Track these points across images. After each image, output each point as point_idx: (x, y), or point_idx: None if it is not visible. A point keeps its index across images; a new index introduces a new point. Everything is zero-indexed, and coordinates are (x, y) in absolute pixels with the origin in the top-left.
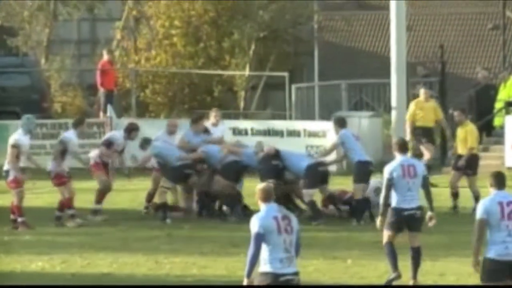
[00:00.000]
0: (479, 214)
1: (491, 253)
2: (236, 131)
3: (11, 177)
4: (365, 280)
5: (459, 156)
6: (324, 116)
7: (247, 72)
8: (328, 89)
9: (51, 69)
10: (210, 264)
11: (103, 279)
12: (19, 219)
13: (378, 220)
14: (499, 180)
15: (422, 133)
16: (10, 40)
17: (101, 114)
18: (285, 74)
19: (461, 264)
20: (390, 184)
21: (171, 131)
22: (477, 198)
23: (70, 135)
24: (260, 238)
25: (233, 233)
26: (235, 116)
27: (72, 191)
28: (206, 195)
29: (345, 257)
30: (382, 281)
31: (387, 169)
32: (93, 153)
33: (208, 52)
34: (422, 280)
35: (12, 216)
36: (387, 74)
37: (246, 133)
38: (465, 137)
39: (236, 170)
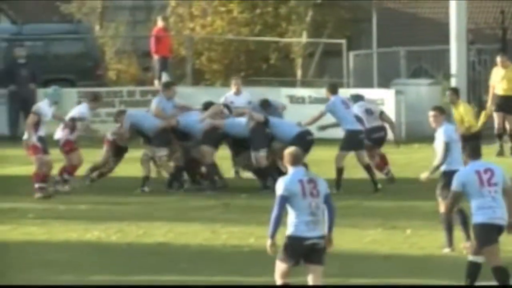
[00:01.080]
0: (453, 186)
1: (480, 218)
2: (293, 99)
3: (30, 144)
4: (424, 250)
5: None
6: (382, 84)
7: (304, 39)
8: (386, 56)
9: (105, 36)
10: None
11: (158, 249)
12: (36, 185)
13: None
14: (474, 150)
15: (501, 101)
16: (64, 7)
17: (156, 81)
18: (343, 41)
19: None
20: (448, 149)
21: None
22: None
23: (84, 109)
24: (284, 200)
25: None
26: (292, 84)
27: (80, 160)
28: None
29: (404, 227)
30: (441, 252)
31: (445, 134)
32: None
33: (264, 19)
34: None
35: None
36: (447, 41)
37: (303, 101)
38: (461, 118)
39: (217, 138)
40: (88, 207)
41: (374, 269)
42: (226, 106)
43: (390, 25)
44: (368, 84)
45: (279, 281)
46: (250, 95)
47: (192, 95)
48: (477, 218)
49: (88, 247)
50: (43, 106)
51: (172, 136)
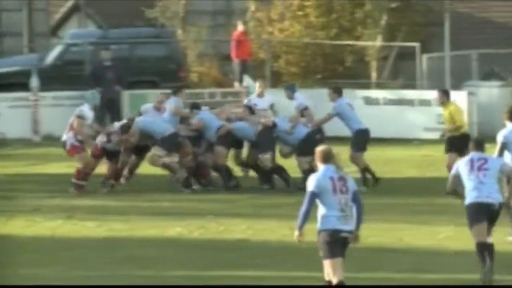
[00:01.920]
0: (454, 169)
1: (468, 200)
2: (368, 101)
3: (68, 146)
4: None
5: (450, 138)
6: (455, 86)
7: (378, 42)
8: (458, 59)
9: (187, 40)
10: None
11: (238, 245)
12: (73, 180)
13: None
14: (476, 144)
15: None
16: (148, 11)
17: (236, 84)
18: (416, 44)
19: None
20: (503, 148)
21: (158, 108)
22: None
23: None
24: (313, 196)
25: (367, 200)
26: (366, 86)
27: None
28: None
29: None
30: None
31: (501, 134)
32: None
33: (340, 23)
34: None
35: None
36: None
37: (377, 102)
38: (451, 118)
39: (230, 140)
40: (170, 204)
41: (445, 265)
42: (249, 107)
43: (462, 29)
44: (441, 86)
45: (335, 280)
46: (273, 98)
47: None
48: (466, 201)
49: (169, 243)
50: (86, 110)
51: (183, 140)
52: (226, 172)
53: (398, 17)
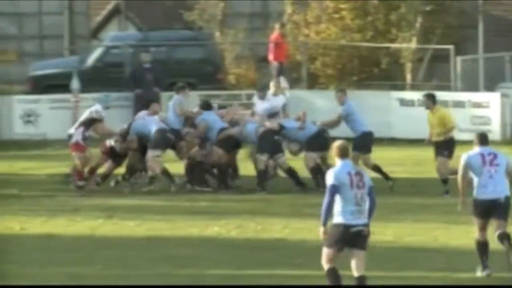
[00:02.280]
0: (462, 160)
1: (476, 194)
2: (402, 102)
3: (73, 141)
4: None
5: (437, 143)
6: (488, 87)
7: (413, 44)
8: (492, 61)
9: (225, 42)
10: (378, 230)
11: (275, 244)
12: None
13: None
14: (482, 138)
15: None
16: (187, 15)
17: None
18: (450, 46)
19: None
20: None
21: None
22: (444, 181)
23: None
24: (335, 189)
25: (398, 199)
26: (401, 88)
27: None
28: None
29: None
30: None
31: None
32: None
33: (376, 25)
34: None
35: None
36: None
37: (412, 104)
38: (439, 122)
39: (232, 144)
40: (208, 203)
41: (478, 264)
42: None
43: (495, 31)
44: (475, 88)
45: (326, 266)
46: (286, 98)
47: (307, 98)
48: (474, 193)
49: (208, 242)
50: (101, 110)
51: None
52: (230, 173)
53: (433, 20)
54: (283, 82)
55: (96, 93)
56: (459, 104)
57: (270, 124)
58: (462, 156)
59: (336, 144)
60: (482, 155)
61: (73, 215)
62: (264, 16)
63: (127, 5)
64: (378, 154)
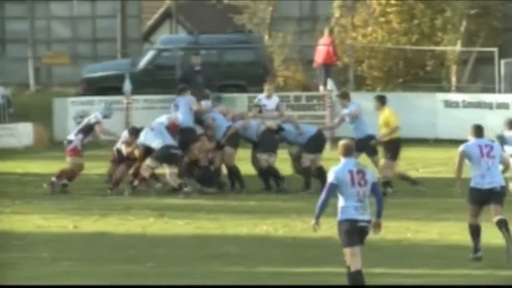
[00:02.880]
0: (460, 150)
1: (473, 184)
2: (447, 104)
3: (71, 146)
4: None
5: (385, 143)
6: None
7: (458, 47)
8: None
9: (274, 45)
10: (424, 228)
11: (322, 242)
12: (54, 179)
13: None
14: (478, 130)
15: None
16: (236, 18)
17: (321, 87)
18: (495, 49)
19: None
20: None
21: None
22: (386, 184)
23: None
24: (332, 188)
25: (442, 199)
26: (447, 89)
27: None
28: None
29: None
30: None
31: None
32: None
33: (421, 29)
34: None
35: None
36: None
37: (457, 105)
38: (384, 123)
39: (237, 140)
40: (256, 203)
41: None
42: (259, 107)
43: None
44: None
45: (353, 268)
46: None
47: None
48: (470, 183)
49: (257, 241)
50: (100, 117)
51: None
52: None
53: (477, 23)
54: (330, 84)
55: (148, 95)
56: (502, 106)
57: (269, 123)
58: (461, 147)
59: (342, 142)
60: (480, 147)
61: (125, 214)
62: (312, 20)
63: (178, 8)
64: (423, 154)
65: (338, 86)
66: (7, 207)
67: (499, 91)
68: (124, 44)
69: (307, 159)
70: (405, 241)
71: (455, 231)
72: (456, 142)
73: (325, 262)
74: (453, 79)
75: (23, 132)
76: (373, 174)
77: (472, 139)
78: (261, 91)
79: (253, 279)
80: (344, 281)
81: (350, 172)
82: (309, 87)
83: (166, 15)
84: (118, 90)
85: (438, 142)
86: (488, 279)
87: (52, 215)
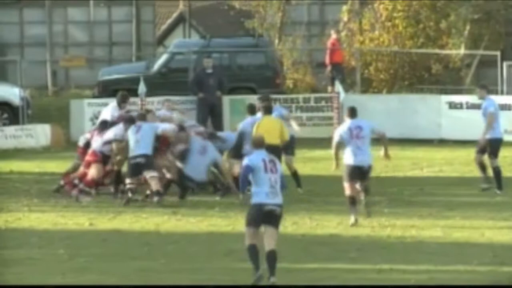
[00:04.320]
0: (336, 134)
1: (347, 161)
2: (452, 105)
3: (90, 150)
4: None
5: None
6: None
7: (462, 51)
8: None
9: (283, 49)
10: (428, 226)
11: (330, 239)
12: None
13: None
14: (351, 112)
15: None
16: (247, 22)
17: (329, 88)
18: (497, 52)
19: None
20: None
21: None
22: (294, 173)
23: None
24: (248, 169)
25: (451, 198)
26: (451, 91)
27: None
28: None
29: None
30: None
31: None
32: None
33: (427, 33)
34: None
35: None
36: None
37: (461, 107)
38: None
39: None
40: None
41: None
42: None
43: None
44: None
45: (248, 242)
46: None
47: (360, 102)
48: (345, 161)
49: None
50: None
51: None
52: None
53: (481, 27)
54: (338, 86)
55: (162, 97)
56: (505, 107)
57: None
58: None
59: (254, 136)
60: (350, 129)
61: (139, 212)
62: (321, 24)
63: (191, 13)
64: (428, 154)
65: (346, 88)
66: (25, 205)
67: (502, 93)
68: (139, 48)
69: (292, 161)
70: (410, 238)
71: (459, 229)
72: (460, 143)
73: (334, 259)
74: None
75: (41, 133)
76: (281, 165)
77: (347, 121)
78: (271, 93)
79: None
80: (352, 278)
81: (263, 160)
82: (317, 89)
83: (180, 20)
84: (133, 92)
85: (443, 143)
86: (493, 276)
87: (69, 213)
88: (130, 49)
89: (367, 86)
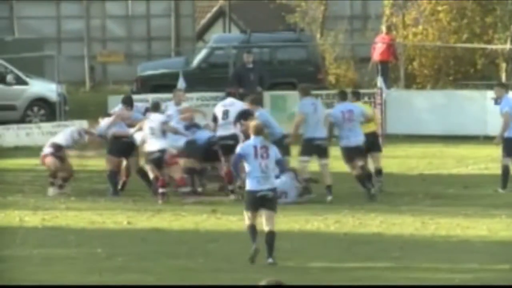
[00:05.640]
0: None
1: (343, 143)
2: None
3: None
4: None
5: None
6: None
7: (508, 45)
8: None
9: (325, 44)
10: (473, 225)
11: (373, 238)
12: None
13: None
14: (341, 95)
15: None
16: (288, 17)
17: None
18: None
19: None
20: None
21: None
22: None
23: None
24: (239, 157)
25: (496, 196)
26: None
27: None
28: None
29: None
30: None
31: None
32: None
33: (471, 27)
34: None
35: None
36: None
37: None
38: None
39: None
40: (307, 200)
41: None
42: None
43: None
44: None
45: (247, 223)
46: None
47: (404, 97)
48: (341, 142)
49: (308, 236)
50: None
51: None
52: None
53: None
54: (380, 82)
55: (201, 93)
56: None
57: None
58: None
59: (253, 123)
60: (342, 112)
61: (178, 210)
62: (363, 18)
63: (231, 7)
64: (473, 151)
65: (389, 83)
66: (62, 203)
67: None
68: (178, 43)
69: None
70: (455, 237)
71: (504, 228)
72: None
73: (376, 257)
74: (503, 77)
75: None
76: (276, 150)
77: (337, 105)
78: (313, 88)
79: (305, 274)
80: (395, 277)
81: (254, 147)
82: (360, 85)
83: (219, 14)
84: (172, 88)
85: (488, 139)
86: None
87: (106, 211)
88: (169, 44)
89: (411, 82)
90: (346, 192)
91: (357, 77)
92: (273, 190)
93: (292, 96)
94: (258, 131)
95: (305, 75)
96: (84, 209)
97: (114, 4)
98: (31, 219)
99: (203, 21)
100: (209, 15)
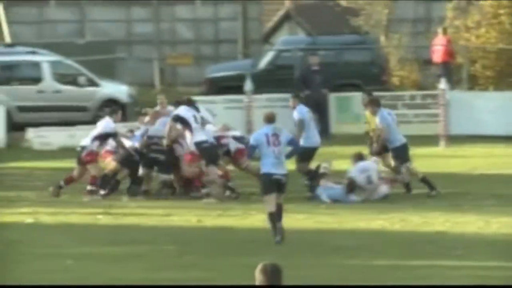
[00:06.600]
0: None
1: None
2: None
3: (87, 151)
4: None
5: None
6: None
7: None
8: None
9: (389, 46)
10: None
11: (436, 237)
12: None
13: None
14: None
15: None
16: (353, 20)
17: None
18: None
19: None
20: None
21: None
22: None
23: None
24: (252, 147)
25: None
26: None
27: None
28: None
29: None
30: None
31: None
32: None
33: None
34: None
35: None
36: None
37: None
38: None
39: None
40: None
41: None
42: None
43: None
44: None
45: (269, 210)
46: None
47: (467, 99)
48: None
49: (373, 234)
50: (112, 123)
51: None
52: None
53: None
54: (443, 83)
55: (268, 94)
56: None
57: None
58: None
59: (266, 112)
60: (266, 136)
61: (247, 209)
62: (426, 21)
63: (297, 11)
64: None
65: (452, 85)
66: (133, 201)
67: None
68: (245, 45)
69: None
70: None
71: None
72: None
73: (440, 256)
74: None
75: None
76: (287, 134)
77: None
78: (377, 90)
79: (370, 272)
80: (458, 275)
81: (266, 135)
82: (424, 87)
83: (286, 17)
84: (239, 90)
85: None
86: None
87: (175, 210)
88: (236, 46)
89: (474, 83)
90: (413, 193)
91: (420, 79)
92: (286, 175)
93: (356, 97)
94: (270, 119)
95: (370, 77)
96: (153, 207)
97: (183, 7)
98: (104, 217)
99: (270, 24)
100: (275, 19)
